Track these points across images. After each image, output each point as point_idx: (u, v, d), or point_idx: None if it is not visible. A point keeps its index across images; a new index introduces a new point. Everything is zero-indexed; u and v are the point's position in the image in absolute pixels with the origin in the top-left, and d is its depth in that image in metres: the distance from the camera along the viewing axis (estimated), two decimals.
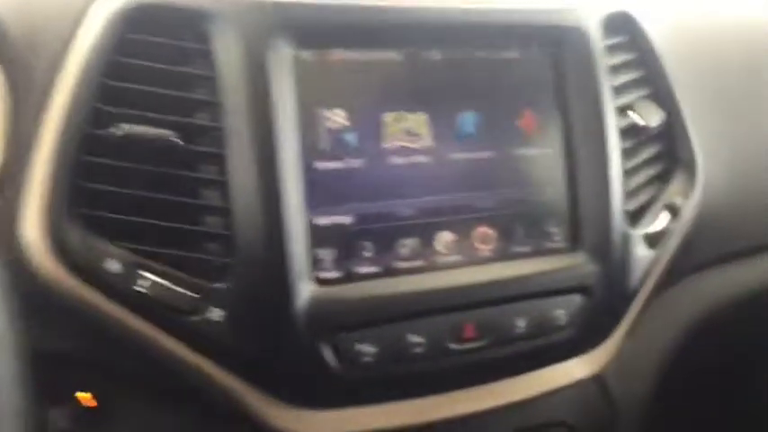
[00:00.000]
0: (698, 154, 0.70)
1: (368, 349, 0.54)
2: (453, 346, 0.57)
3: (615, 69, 0.65)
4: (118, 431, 0.57)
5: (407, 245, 0.57)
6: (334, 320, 0.54)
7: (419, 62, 0.58)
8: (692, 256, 0.73)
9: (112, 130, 0.50)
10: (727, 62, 0.79)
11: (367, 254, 0.56)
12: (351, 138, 0.56)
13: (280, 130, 0.52)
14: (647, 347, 0.74)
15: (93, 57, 0.50)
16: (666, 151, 0.70)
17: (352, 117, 0.55)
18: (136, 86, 0.51)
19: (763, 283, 0.81)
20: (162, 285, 0.51)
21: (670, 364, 0.76)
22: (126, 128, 0.50)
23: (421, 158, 0.58)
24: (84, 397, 0.56)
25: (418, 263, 0.58)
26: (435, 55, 0.58)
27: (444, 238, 0.59)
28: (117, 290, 0.50)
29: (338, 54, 0.55)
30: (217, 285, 0.51)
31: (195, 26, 0.52)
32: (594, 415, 0.71)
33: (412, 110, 0.57)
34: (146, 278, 0.50)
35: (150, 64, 0.51)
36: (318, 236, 0.54)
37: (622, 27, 0.67)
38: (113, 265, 0.50)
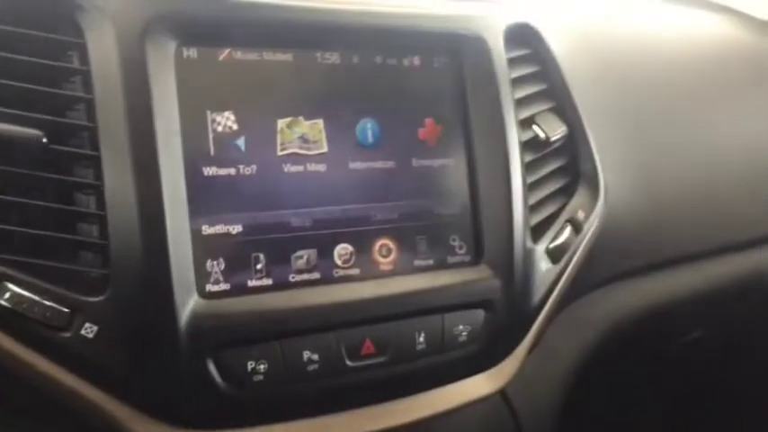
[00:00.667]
0: (600, 168, 0.70)
1: (257, 367, 0.51)
2: (351, 363, 0.55)
3: (517, 82, 0.65)
4: None
5: (303, 257, 0.55)
6: (221, 336, 0.50)
7: (315, 65, 0.56)
8: (595, 271, 0.73)
9: None
10: (632, 78, 0.80)
11: (258, 266, 0.53)
12: (240, 143, 0.53)
13: (160, 131, 0.49)
14: (552, 362, 0.73)
15: None
16: (569, 165, 0.70)
17: (242, 121, 0.53)
18: None
19: (669, 296, 0.83)
20: (28, 298, 0.47)
21: (574, 378, 0.76)
22: None
23: (317, 167, 0.56)
24: None
25: (314, 276, 0.55)
26: (332, 58, 0.57)
27: (342, 251, 0.56)
28: None
29: (226, 53, 0.53)
30: (91, 299, 0.48)
31: (66, 16, 0.49)
32: (499, 431, 0.70)
33: (307, 116, 0.55)
34: (9, 290, 0.46)
35: (14, 56, 0.47)
36: (205, 246, 0.51)
37: (525, 39, 0.67)
38: None
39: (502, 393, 0.67)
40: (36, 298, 0.47)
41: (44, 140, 0.47)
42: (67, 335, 0.47)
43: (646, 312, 0.81)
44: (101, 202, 0.48)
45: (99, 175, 0.48)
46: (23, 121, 0.47)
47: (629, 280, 0.78)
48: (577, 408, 0.78)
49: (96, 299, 0.48)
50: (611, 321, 0.78)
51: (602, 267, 0.73)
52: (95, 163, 0.48)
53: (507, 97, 0.62)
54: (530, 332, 0.65)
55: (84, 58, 0.49)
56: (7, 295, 0.46)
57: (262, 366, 0.51)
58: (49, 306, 0.47)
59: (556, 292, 0.66)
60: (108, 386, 0.50)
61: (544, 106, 0.68)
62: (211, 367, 0.50)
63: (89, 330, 0.48)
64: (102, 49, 0.48)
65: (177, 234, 0.49)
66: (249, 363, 0.51)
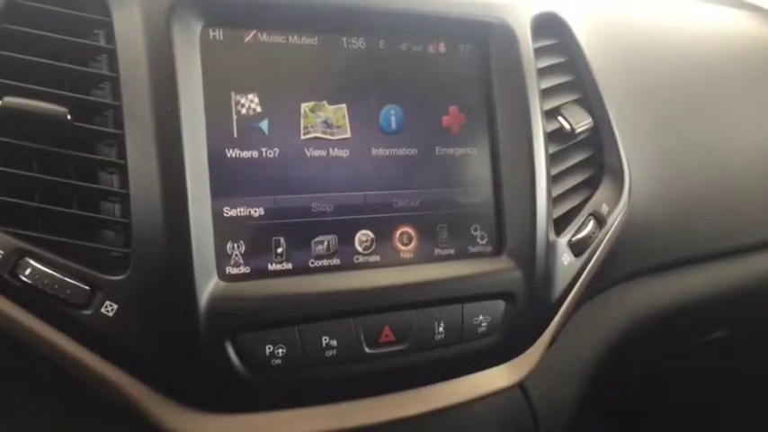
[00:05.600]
0: (625, 162, 0.69)
1: (275, 351, 0.51)
2: (369, 350, 0.54)
3: (544, 72, 0.64)
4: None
5: (323, 242, 0.55)
6: (239, 319, 0.50)
7: (340, 50, 0.56)
8: (618, 266, 0.72)
9: None
10: (659, 72, 0.80)
11: (279, 250, 0.53)
12: (263, 126, 0.53)
13: (183, 111, 0.49)
14: (571, 356, 0.73)
15: None
16: (594, 158, 0.69)
17: (266, 104, 0.53)
18: (24, 57, 0.47)
19: (692, 294, 0.82)
20: (49, 275, 0.47)
21: (593, 373, 0.75)
22: (9, 101, 0.46)
23: (339, 152, 0.55)
24: None
25: (334, 261, 0.55)
26: (358, 43, 0.56)
27: (363, 237, 0.56)
28: None
29: (252, 35, 0.53)
30: (112, 277, 0.48)
31: None
32: (516, 424, 0.69)
33: (331, 100, 0.55)
34: (30, 266, 0.46)
35: (42, 33, 0.47)
36: (226, 228, 0.51)
37: (552, 29, 0.67)
38: None
39: (520, 386, 0.66)
40: (57, 275, 0.47)
41: (69, 117, 0.47)
42: (87, 313, 0.47)
43: (668, 310, 0.80)
44: (124, 181, 0.48)
45: (122, 154, 0.48)
46: (49, 98, 0.47)
47: (652, 276, 0.77)
48: (594, 404, 0.78)
49: (117, 277, 0.48)
50: (632, 318, 0.77)
51: (625, 262, 0.72)
52: (119, 141, 0.48)
53: (533, 87, 0.61)
54: (550, 326, 0.64)
55: (111, 37, 0.49)
56: (28, 271, 0.46)
57: (280, 351, 0.51)
58: (69, 283, 0.47)
59: (577, 286, 0.65)
60: (126, 365, 0.50)
61: (570, 97, 0.67)
62: (230, 350, 0.50)
63: (109, 309, 0.48)
64: (129, 29, 0.48)
65: (199, 215, 0.49)
66: (267, 347, 0.51)
